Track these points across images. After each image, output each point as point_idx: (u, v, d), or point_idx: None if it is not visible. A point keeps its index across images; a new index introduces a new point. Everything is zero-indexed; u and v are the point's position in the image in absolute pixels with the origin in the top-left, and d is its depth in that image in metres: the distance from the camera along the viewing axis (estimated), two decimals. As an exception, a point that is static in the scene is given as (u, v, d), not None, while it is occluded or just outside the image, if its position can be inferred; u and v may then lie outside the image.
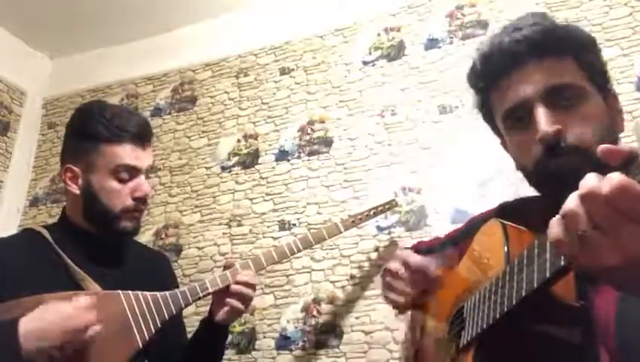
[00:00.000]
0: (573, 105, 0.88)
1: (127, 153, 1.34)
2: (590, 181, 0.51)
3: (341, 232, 1.59)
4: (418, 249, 1.35)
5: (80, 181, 1.35)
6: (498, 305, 0.77)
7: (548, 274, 0.64)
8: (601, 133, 0.86)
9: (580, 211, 0.52)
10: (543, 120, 0.87)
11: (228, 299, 1.33)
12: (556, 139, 0.86)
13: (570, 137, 0.86)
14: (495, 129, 1.03)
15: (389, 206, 1.70)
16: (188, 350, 1.42)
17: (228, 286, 1.34)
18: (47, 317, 1.08)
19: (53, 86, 2.65)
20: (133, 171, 1.36)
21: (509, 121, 0.95)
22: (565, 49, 0.90)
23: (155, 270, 1.50)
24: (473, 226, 1.11)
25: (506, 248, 0.85)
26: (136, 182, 1.36)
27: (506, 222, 0.92)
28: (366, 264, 1.77)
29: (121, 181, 1.34)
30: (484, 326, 0.80)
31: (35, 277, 1.26)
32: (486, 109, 1.01)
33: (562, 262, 0.61)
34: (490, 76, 0.96)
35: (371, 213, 1.65)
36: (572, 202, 0.53)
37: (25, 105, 2.57)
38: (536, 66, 0.90)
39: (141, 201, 1.37)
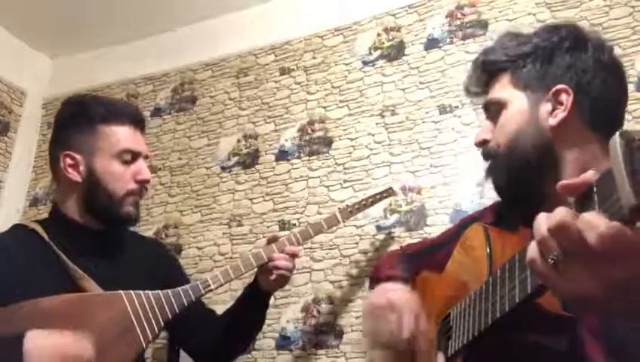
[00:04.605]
0: (496, 117, 1.01)
1: (127, 135, 1.36)
2: (560, 213, 0.51)
3: (340, 222, 1.58)
4: (406, 252, 1.35)
5: (81, 167, 1.34)
6: (483, 317, 0.78)
7: (529, 291, 0.65)
8: (518, 132, 0.97)
9: (549, 237, 0.52)
10: (479, 131, 1.05)
11: (275, 269, 1.41)
12: (480, 147, 1.04)
13: (491, 145, 1.01)
14: None
15: (387, 194, 1.69)
16: (232, 313, 1.48)
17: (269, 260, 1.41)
18: (51, 340, 1.06)
19: (53, 86, 2.65)
20: (135, 154, 1.36)
21: None
22: (503, 67, 1.02)
23: (152, 258, 1.49)
24: (460, 229, 1.13)
25: (488, 249, 0.89)
26: (137, 166, 1.37)
27: (486, 225, 0.97)
28: (366, 264, 1.77)
29: (124, 163, 1.35)
30: (471, 336, 0.81)
31: (30, 276, 1.24)
32: None
33: (540, 281, 0.61)
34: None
35: (369, 201, 1.64)
36: (542, 228, 0.53)
37: (25, 105, 2.57)
38: (492, 82, 1.05)
39: (143, 185, 1.38)
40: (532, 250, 0.55)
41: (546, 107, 0.95)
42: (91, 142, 1.34)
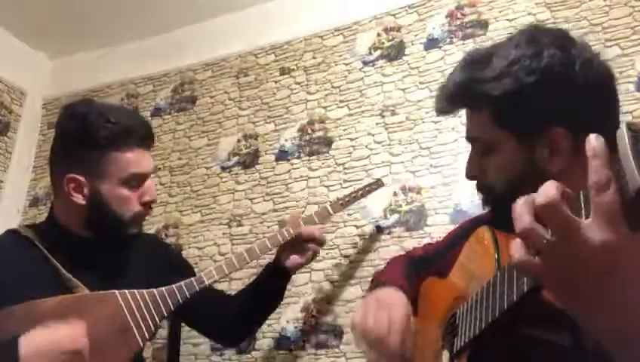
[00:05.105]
0: (488, 155, 0.98)
1: (136, 159, 1.32)
2: (546, 188, 0.52)
3: (331, 215, 1.61)
4: (411, 256, 1.35)
5: (86, 191, 1.30)
6: (490, 310, 0.78)
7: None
8: (510, 178, 0.94)
9: (533, 226, 0.53)
10: (466, 165, 1.05)
11: (307, 245, 1.46)
12: (473, 180, 1.04)
13: (486, 181, 1.00)
14: None
15: (376, 186, 1.70)
16: (250, 291, 1.51)
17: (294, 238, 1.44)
18: (45, 338, 1.06)
19: (53, 86, 2.65)
20: (142, 177, 1.34)
21: None
22: (482, 104, 0.96)
23: (151, 259, 1.47)
24: (464, 232, 1.12)
25: (496, 254, 0.88)
26: (144, 188, 1.35)
27: (494, 229, 0.95)
28: (365, 264, 1.77)
29: (131, 188, 1.32)
30: (477, 331, 0.81)
31: (23, 282, 1.23)
32: None
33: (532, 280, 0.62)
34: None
35: (359, 193, 1.66)
36: (525, 221, 0.53)
37: (25, 105, 2.57)
38: (470, 115, 1.03)
39: (148, 205, 1.37)
40: (517, 251, 0.55)
41: (543, 152, 0.91)
42: (97, 167, 1.29)
